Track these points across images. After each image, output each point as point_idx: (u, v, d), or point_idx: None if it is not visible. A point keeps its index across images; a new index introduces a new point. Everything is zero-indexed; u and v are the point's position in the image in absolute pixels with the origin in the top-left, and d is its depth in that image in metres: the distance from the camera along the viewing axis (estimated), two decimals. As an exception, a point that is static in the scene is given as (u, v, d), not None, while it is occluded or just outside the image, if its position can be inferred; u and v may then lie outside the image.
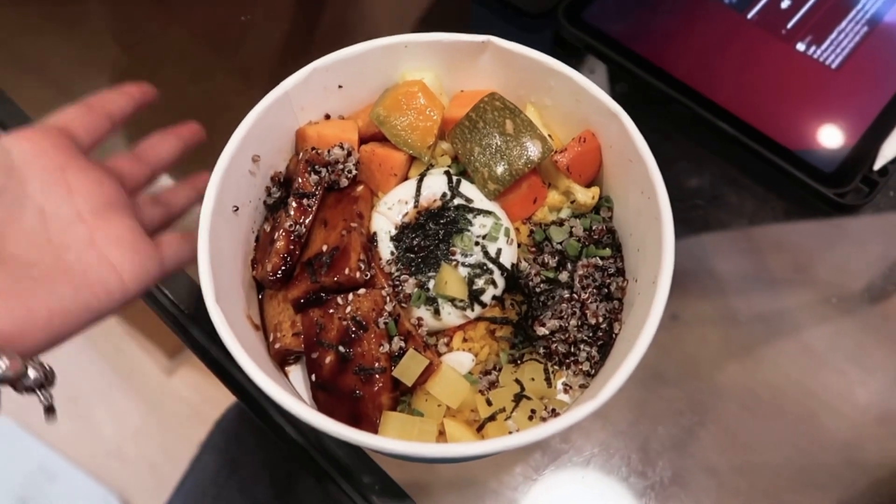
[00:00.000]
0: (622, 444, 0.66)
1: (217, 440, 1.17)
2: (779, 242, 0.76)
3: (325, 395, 0.56)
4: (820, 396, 0.68)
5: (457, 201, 0.61)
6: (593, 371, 0.59)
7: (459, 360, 0.59)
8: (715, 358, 0.70)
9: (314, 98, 0.65)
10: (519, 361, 0.60)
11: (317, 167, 0.61)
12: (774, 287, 0.73)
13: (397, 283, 0.59)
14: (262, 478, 1.07)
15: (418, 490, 0.64)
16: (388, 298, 0.57)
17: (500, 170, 0.61)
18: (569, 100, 0.63)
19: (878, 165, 0.75)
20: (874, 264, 0.75)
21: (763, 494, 0.64)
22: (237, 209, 0.60)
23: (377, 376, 0.55)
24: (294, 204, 0.60)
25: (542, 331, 0.58)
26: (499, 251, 0.60)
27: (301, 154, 0.62)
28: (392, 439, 0.48)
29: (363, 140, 0.66)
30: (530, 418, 0.56)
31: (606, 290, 0.61)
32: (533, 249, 0.63)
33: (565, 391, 0.60)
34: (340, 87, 0.65)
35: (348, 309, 0.56)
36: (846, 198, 0.74)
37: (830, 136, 0.76)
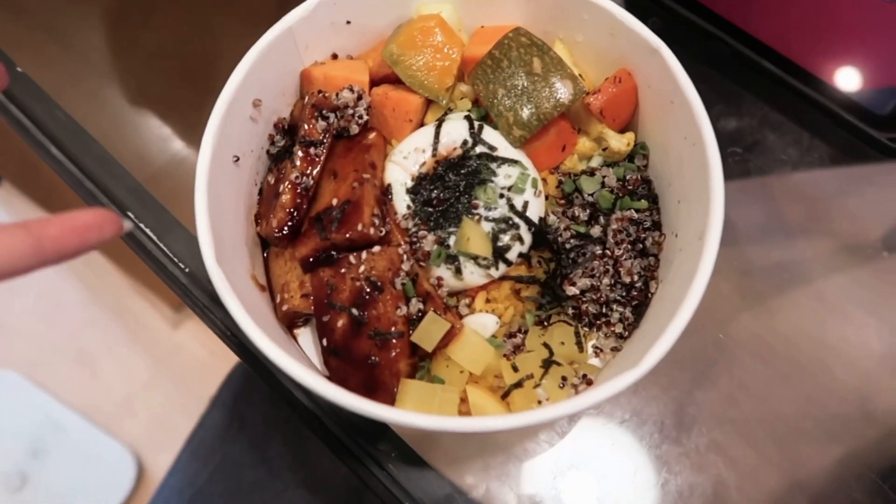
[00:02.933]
0: (654, 410, 0.62)
1: (225, 397, 1.15)
2: (805, 189, 0.72)
3: (338, 362, 0.52)
4: (834, 347, 0.65)
5: (479, 149, 0.56)
6: (626, 333, 0.55)
7: (483, 323, 0.55)
8: (733, 310, 0.66)
9: (320, 35, 0.59)
10: (546, 323, 0.55)
11: (324, 112, 0.56)
12: (794, 236, 0.70)
13: (415, 239, 0.54)
14: (272, 435, 1.05)
15: (436, 455, 0.61)
16: (404, 256, 0.52)
17: (526, 114, 0.55)
18: (603, 35, 0.57)
19: (935, 107, 0.68)
20: (893, 212, 0.71)
21: (775, 445, 0.62)
22: (238, 159, 0.54)
23: (394, 341, 0.51)
24: (300, 153, 0.55)
25: (571, 290, 0.53)
26: (525, 204, 0.55)
27: (307, 98, 0.57)
28: (411, 412, 0.44)
29: (375, 82, 0.61)
30: (561, 386, 0.52)
31: (642, 246, 0.56)
32: (562, 202, 0.58)
33: (596, 355, 0.55)
34: (349, 22, 0.60)
35: (362, 268, 0.52)
36: (899, 143, 0.68)
37: (883, 76, 0.70)
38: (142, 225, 0.68)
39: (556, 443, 0.61)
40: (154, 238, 0.68)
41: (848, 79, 0.70)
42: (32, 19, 0.86)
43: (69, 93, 0.79)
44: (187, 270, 0.67)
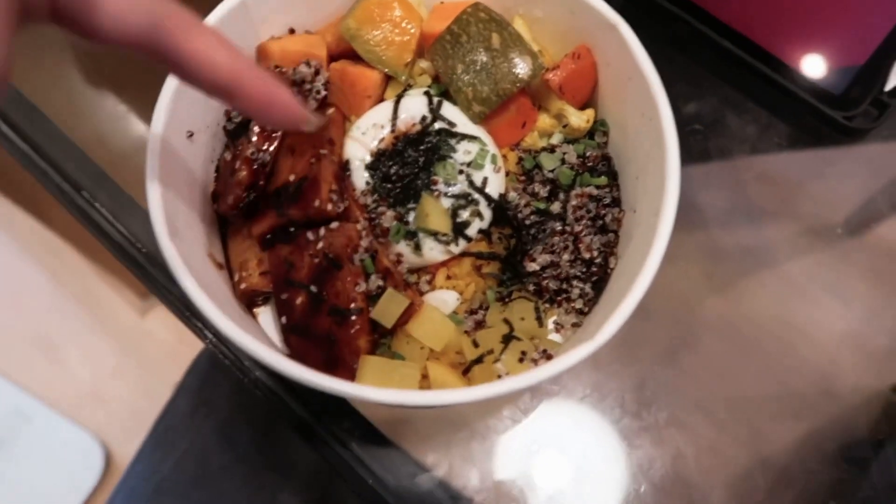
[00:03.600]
0: (615, 385, 0.62)
1: (190, 382, 1.14)
2: (769, 172, 0.72)
3: (298, 340, 0.52)
4: (797, 327, 0.66)
5: (438, 125, 0.55)
6: (586, 309, 0.55)
7: (443, 299, 0.55)
8: (698, 292, 0.67)
9: (276, 9, 0.57)
10: (507, 299, 0.55)
11: (281, 87, 0.55)
12: (759, 219, 0.71)
13: (374, 215, 0.54)
14: (239, 419, 1.04)
15: (400, 433, 0.61)
16: (363, 233, 0.52)
17: (485, 90, 0.55)
18: (562, 10, 0.57)
19: (889, 86, 0.69)
20: (857, 194, 0.72)
21: (741, 425, 0.63)
22: (192, 135, 0.53)
23: (353, 318, 0.50)
24: (256, 129, 0.54)
25: (532, 266, 0.54)
26: (485, 180, 0.54)
27: (263, 73, 0.56)
28: (370, 387, 0.44)
29: (333, 57, 0.60)
30: (521, 360, 0.52)
31: (601, 222, 0.56)
32: (522, 178, 0.57)
33: (557, 330, 0.56)
34: (306, -4, 0.58)
35: (320, 245, 0.51)
36: (854, 121, 0.69)
37: (839, 55, 0.71)
38: (97, 204, 0.67)
39: (521, 419, 0.62)
40: (110, 218, 0.66)
41: (805, 59, 0.70)
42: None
43: (20, 66, 0.76)
44: (144, 251, 0.66)
